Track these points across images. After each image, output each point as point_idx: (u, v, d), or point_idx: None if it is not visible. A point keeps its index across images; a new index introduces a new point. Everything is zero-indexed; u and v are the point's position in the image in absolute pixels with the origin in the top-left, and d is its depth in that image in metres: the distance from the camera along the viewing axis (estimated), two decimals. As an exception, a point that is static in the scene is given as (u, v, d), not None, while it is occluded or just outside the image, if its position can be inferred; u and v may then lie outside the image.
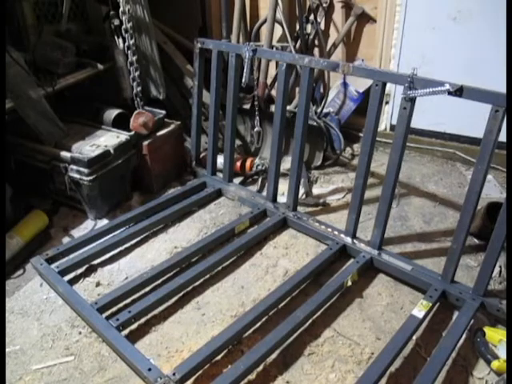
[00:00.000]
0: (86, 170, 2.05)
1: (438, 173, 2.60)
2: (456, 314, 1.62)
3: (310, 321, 1.61)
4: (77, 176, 2.08)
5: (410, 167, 2.65)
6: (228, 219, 2.19)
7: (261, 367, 1.44)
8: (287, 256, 1.95)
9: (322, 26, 2.86)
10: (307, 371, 1.44)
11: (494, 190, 2.38)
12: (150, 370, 1.35)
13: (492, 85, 1.46)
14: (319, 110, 2.71)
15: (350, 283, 1.73)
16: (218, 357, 1.46)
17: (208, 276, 1.82)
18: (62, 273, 1.77)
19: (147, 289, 1.73)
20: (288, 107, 2.29)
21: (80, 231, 2.11)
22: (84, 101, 2.53)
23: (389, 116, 2.83)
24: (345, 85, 2.87)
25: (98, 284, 1.80)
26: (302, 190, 2.30)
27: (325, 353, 1.50)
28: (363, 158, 1.82)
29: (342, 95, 2.88)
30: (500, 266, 1.77)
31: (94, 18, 2.56)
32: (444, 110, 2.52)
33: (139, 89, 2.30)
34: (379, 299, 1.72)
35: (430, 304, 1.58)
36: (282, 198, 2.24)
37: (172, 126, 2.47)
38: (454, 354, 1.46)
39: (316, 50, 2.91)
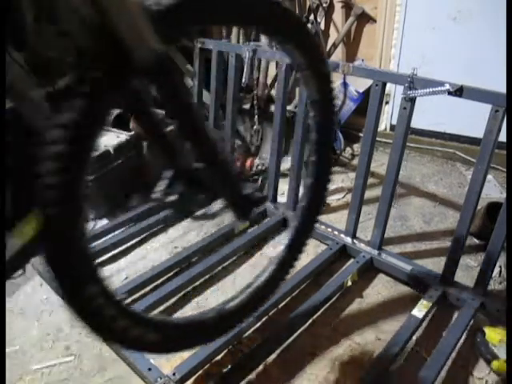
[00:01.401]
0: (85, 170, 2.05)
1: (438, 173, 2.60)
2: (456, 313, 1.62)
3: (310, 321, 1.61)
4: (77, 176, 2.07)
5: (410, 167, 2.65)
6: (228, 219, 2.18)
7: (261, 367, 1.44)
8: (287, 256, 1.95)
9: (322, 26, 2.86)
10: (307, 371, 1.44)
11: (494, 190, 2.38)
12: (150, 369, 1.35)
13: (492, 85, 1.46)
14: (319, 110, 2.70)
15: (349, 283, 1.73)
16: (218, 357, 1.46)
17: (208, 276, 1.82)
18: (62, 273, 1.76)
19: (147, 289, 1.73)
20: (288, 107, 2.29)
21: (80, 231, 2.11)
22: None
23: (389, 116, 2.84)
24: (345, 85, 2.87)
25: (97, 284, 1.80)
26: (302, 190, 2.30)
27: (325, 353, 1.50)
28: (363, 158, 1.82)
29: (342, 95, 2.88)
30: (500, 266, 1.77)
31: (94, 18, 2.56)
32: (444, 110, 2.52)
33: (139, 89, 2.29)
34: (379, 299, 1.72)
35: (430, 304, 1.58)
36: (281, 198, 2.24)
37: (172, 126, 2.46)
38: (453, 354, 1.46)
39: (316, 50, 2.90)
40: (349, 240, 1.93)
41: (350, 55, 2.94)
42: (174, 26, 0.81)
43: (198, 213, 1.03)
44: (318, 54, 1.14)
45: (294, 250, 1.35)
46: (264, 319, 1.61)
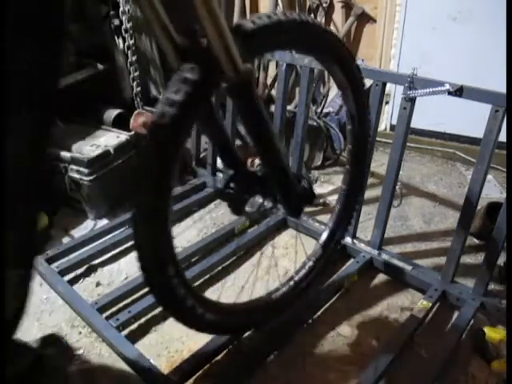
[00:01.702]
0: (85, 170, 2.05)
1: (438, 173, 2.60)
2: (456, 313, 1.62)
3: (310, 321, 1.61)
4: (77, 176, 2.08)
5: (410, 167, 2.65)
6: (228, 219, 2.18)
7: (261, 367, 1.44)
8: (287, 256, 1.95)
9: (322, 26, 2.86)
10: (307, 371, 1.44)
11: (493, 190, 2.38)
12: (149, 369, 1.36)
13: (492, 85, 1.46)
14: (319, 110, 2.71)
15: (349, 283, 1.73)
16: (218, 357, 1.47)
17: (208, 276, 1.82)
18: (62, 273, 1.77)
19: (147, 289, 1.73)
20: (288, 107, 2.29)
21: (80, 231, 2.11)
22: (84, 101, 2.53)
23: (389, 116, 2.83)
24: (345, 85, 2.87)
25: (98, 284, 1.80)
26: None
27: (325, 353, 1.50)
28: (363, 158, 1.81)
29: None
30: (500, 266, 1.77)
31: (93, 18, 2.56)
32: (444, 110, 2.52)
33: (139, 89, 2.30)
34: (379, 299, 1.72)
35: (430, 304, 1.58)
36: (282, 198, 2.24)
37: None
38: (454, 354, 1.46)
39: (316, 50, 2.90)
40: (349, 240, 1.92)
41: (350, 55, 2.94)
42: (255, 46, 0.98)
43: (250, 210, 1.15)
44: (359, 75, 1.34)
45: (329, 248, 1.61)
46: (264, 319, 1.61)
